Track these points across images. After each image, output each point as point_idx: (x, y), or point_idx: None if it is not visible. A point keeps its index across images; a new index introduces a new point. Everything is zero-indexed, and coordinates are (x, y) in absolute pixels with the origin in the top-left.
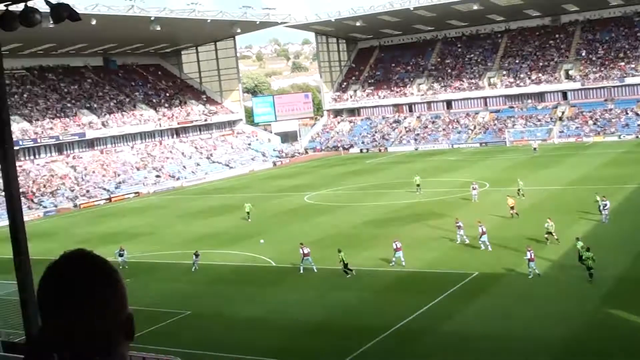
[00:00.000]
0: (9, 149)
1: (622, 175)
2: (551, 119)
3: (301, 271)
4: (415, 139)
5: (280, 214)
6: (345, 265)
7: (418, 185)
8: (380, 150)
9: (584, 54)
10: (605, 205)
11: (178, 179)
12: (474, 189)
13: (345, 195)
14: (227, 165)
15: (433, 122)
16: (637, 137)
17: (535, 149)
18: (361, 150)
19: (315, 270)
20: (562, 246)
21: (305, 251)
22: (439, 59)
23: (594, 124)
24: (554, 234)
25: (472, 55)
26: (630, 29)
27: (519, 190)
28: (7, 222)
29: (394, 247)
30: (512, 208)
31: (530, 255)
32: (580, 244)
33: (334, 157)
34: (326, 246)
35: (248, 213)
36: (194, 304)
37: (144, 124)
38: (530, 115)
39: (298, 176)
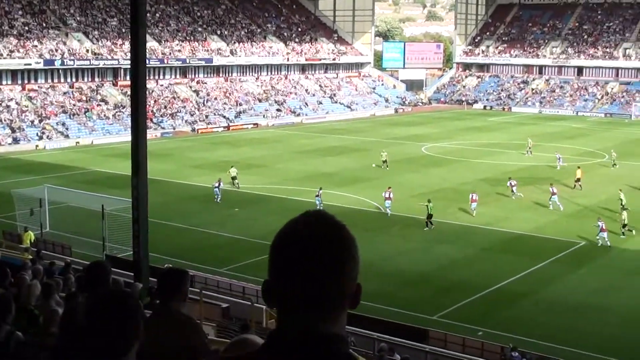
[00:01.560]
0: (141, 71)
1: None
2: None
3: (386, 213)
4: (541, 102)
5: (396, 161)
6: (429, 217)
7: (529, 148)
8: (504, 109)
9: None
10: None
11: (298, 115)
12: (559, 158)
13: (463, 150)
14: (349, 107)
15: (561, 87)
16: None
17: None
18: (485, 107)
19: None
20: None
21: (386, 195)
22: (576, 24)
23: None
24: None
25: (611, 24)
26: None
27: (613, 161)
28: (126, 138)
29: (471, 198)
30: (577, 180)
31: (602, 227)
32: None
33: (457, 110)
34: (436, 198)
35: (384, 161)
36: None
37: (271, 57)
38: None
39: (418, 126)
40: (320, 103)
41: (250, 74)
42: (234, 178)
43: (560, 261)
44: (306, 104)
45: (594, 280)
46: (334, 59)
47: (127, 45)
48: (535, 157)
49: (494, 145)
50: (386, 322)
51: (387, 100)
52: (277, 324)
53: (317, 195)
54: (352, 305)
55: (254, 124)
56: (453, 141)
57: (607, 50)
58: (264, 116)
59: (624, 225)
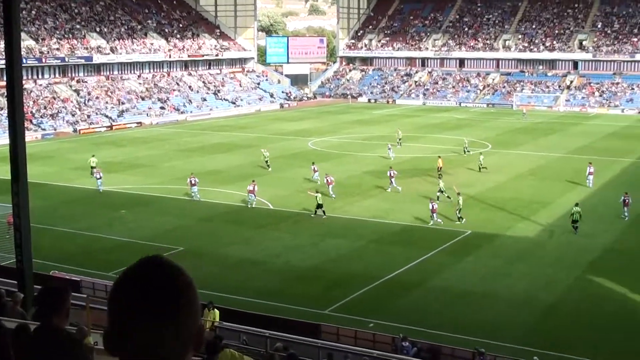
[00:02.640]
0: (17, 72)
1: (622, 148)
2: (559, 87)
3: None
4: (424, 94)
5: (283, 157)
6: (319, 206)
7: (400, 139)
8: (388, 102)
9: (599, 25)
10: (590, 172)
11: (182, 112)
12: (389, 149)
13: (349, 143)
14: (234, 103)
15: (444, 79)
16: None
17: (524, 114)
18: (369, 100)
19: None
20: (554, 212)
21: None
22: (457, 17)
23: (600, 95)
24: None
25: (490, 16)
26: None
27: (465, 148)
28: (5, 142)
29: (326, 181)
30: (439, 169)
31: (432, 207)
32: (577, 209)
33: (342, 104)
34: (322, 193)
35: (267, 161)
36: (188, 241)
37: (153, 54)
38: (540, 81)
39: (304, 120)
40: (205, 100)
41: (132, 71)
42: (93, 167)
43: (448, 250)
44: (190, 101)
45: (481, 268)
46: (217, 55)
47: (2, 45)
48: (405, 148)
49: (378, 138)
50: (278, 319)
51: (272, 96)
52: None
53: (193, 185)
54: (196, 347)
55: (138, 123)
56: (339, 135)
57: (488, 42)
58: (147, 114)
59: (459, 210)
